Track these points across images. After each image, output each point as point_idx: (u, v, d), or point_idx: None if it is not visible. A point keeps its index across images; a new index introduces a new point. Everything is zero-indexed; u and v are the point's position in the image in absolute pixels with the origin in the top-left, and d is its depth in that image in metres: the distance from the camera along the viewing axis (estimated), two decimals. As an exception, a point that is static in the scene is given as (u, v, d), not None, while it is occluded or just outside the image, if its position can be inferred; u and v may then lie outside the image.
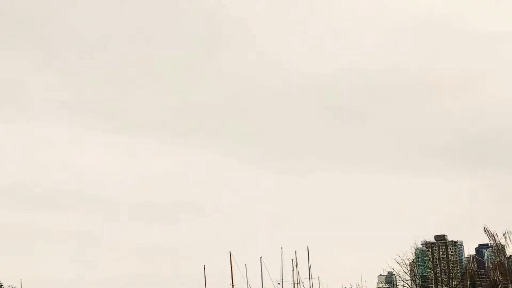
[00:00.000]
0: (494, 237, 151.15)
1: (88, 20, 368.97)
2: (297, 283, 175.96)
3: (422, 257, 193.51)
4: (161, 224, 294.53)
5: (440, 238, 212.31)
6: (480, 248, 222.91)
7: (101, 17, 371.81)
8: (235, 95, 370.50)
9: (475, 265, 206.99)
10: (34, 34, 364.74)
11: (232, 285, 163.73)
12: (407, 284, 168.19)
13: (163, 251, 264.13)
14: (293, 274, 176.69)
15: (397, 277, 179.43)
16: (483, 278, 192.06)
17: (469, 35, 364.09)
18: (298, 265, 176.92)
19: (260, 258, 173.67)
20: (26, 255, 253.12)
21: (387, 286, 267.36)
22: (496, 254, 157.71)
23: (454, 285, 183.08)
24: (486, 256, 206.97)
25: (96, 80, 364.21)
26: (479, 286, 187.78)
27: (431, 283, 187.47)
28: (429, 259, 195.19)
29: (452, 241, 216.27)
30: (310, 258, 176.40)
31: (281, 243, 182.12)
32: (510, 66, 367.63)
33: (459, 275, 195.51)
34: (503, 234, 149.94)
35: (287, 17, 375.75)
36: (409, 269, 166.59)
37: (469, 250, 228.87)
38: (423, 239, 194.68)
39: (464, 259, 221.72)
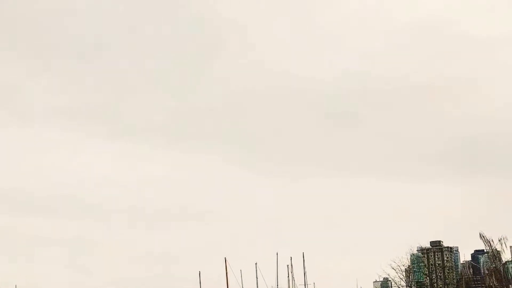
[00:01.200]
0: (490, 243, 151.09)
1: (85, 25, 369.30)
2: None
3: (417, 263, 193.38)
4: (157, 230, 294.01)
5: (436, 244, 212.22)
6: (476, 254, 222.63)
7: (98, 22, 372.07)
8: (233, 99, 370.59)
9: (471, 271, 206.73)
10: (32, 39, 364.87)
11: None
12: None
13: (159, 257, 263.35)
14: (289, 280, 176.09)
15: (393, 283, 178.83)
16: (478, 284, 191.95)
17: (466, 40, 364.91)
18: (294, 271, 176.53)
19: (256, 264, 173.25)
20: (21, 261, 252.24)
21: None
22: (492, 260, 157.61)
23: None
24: (481, 262, 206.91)
25: (93, 85, 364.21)
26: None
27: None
28: (425, 265, 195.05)
29: (447, 247, 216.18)
30: (305, 264, 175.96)
31: (277, 249, 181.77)
32: (507, 72, 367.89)
33: (455, 281, 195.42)
34: (499, 240, 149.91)
35: (284, 22, 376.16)
36: (404, 275, 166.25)
37: (464, 256, 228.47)
38: (418, 245, 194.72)
39: (459, 265, 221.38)
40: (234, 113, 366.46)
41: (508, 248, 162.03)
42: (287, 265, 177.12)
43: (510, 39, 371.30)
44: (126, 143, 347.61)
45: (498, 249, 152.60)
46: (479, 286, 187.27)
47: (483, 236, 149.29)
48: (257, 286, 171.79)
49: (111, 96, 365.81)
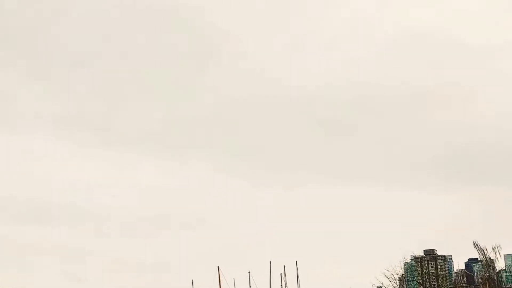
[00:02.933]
0: (484, 252, 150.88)
1: (77, 33, 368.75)
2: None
3: (411, 271, 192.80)
4: (150, 238, 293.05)
5: (430, 253, 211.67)
6: (470, 263, 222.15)
7: (90, 31, 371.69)
8: (225, 108, 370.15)
9: (465, 280, 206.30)
10: (23, 48, 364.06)
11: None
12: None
13: (152, 265, 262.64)
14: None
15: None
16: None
17: (460, 48, 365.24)
18: (287, 280, 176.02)
19: (249, 272, 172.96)
20: (14, 269, 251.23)
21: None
22: (486, 269, 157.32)
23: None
24: (475, 271, 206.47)
25: (84, 94, 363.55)
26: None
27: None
28: (419, 274, 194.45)
29: (441, 256, 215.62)
30: (299, 272, 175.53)
31: (270, 258, 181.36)
32: (500, 80, 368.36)
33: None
34: (493, 249, 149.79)
35: (277, 30, 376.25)
36: (398, 283, 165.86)
37: (458, 264, 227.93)
38: (412, 254, 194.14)
39: (453, 274, 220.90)
40: (226, 122, 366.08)
41: (502, 256, 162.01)
42: (281, 274, 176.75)
43: (504, 46, 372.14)
44: (117, 152, 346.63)
45: (492, 258, 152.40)
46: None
47: (477, 245, 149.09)
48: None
49: (102, 105, 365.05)
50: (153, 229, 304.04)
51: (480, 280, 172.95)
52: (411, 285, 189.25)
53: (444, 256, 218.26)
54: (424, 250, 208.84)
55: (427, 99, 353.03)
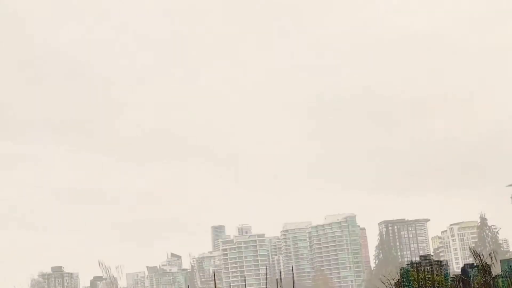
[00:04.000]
0: (480, 257, 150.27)
1: (73, 40, 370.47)
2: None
3: (407, 276, 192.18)
4: (145, 243, 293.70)
5: (425, 258, 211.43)
6: (466, 268, 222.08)
7: (85, 37, 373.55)
8: (218, 114, 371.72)
9: (461, 285, 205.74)
10: (18, 54, 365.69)
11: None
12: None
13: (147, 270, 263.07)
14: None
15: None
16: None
17: (457, 52, 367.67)
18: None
19: (244, 278, 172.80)
20: (7, 273, 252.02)
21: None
22: (482, 274, 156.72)
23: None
24: (471, 276, 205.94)
25: (79, 99, 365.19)
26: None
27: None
28: (415, 279, 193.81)
29: (437, 261, 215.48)
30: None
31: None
32: (495, 85, 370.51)
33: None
34: (489, 254, 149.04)
35: (271, 35, 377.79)
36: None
37: (454, 269, 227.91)
38: (408, 258, 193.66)
39: (449, 279, 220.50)
40: (220, 128, 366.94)
41: (498, 261, 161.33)
42: (277, 279, 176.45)
43: (503, 51, 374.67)
44: (111, 156, 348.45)
45: (488, 263, 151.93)
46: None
47: (474, 250, 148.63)
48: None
49: (97, 110, 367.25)
50: (148, 234, 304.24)
51: (476, 286, 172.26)
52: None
53: (440, 261, 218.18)
54: (420, 256, 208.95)
55: (421, 104, 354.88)
